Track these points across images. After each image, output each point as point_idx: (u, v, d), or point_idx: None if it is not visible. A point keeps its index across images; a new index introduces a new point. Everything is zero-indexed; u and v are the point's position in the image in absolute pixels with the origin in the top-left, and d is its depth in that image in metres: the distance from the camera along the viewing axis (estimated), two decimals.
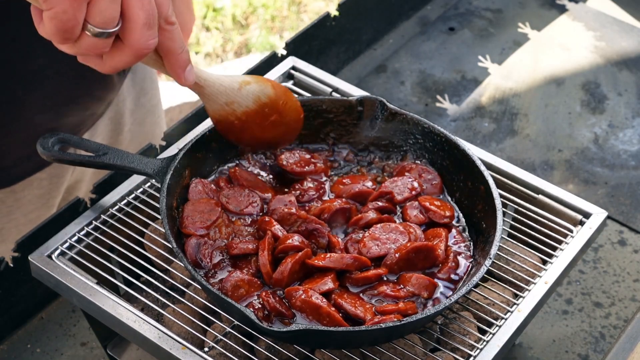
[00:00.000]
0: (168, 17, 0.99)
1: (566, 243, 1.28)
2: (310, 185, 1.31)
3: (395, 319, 1.10)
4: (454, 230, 1.26)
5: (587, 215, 1.32)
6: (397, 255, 1.18)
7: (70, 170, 1.53)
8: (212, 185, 1.29)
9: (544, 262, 1.27)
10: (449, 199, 1.31)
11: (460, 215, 1.29)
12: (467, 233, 1.26)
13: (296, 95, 1.48)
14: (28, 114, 1.38)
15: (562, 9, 2.16)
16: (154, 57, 1.04)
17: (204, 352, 1.14)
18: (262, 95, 1.21)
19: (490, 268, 1.23)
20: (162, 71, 1.07)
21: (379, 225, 1.23)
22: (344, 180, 1.32)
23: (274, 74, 1.52)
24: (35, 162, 1.44)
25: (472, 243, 1.25)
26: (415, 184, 1.30)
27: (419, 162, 1.35)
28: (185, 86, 1.09)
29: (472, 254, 1.23)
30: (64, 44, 0.94)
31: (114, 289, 1.24)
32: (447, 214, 1.26)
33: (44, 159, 1.20)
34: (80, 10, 0.90)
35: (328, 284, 1.15)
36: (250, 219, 1.25)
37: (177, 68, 1.04)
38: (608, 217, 1.35)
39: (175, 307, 1.21)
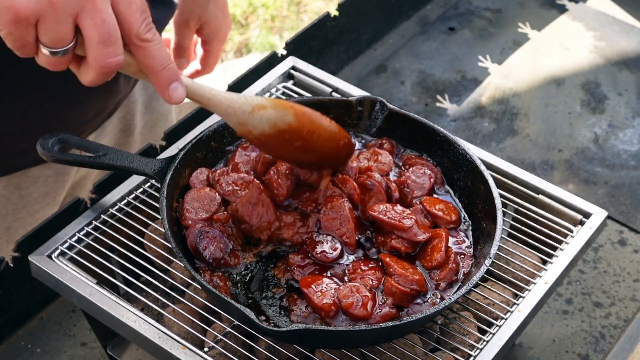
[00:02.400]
0: (140, 34, 0.98)
1: (566, 243, 1.28)
2: None
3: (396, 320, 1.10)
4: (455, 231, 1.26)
5: (587, 215, 1.32)
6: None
7: (75, 168, 1.53)
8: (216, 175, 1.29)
9: (544, 262, 1.27)
10: (451, 191, 1.31)
11: (464, 215, 1.29)
12: (468, 233, 1.26)
13: (296, 96, 1.48)
14: (25, 108, 1.38)
15: (562, 9, 2.16)
16: (142, 74, 1.03)
17: (204, 352, 1.14)
18: (280, 122, 1.14)
19: (490, 268, 1.23)
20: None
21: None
22: None
23: (274, 74, 1.52)
24: (34, 156, 1.44)
25: (472, 243, 1.25)
26: (429, 180, 1.31)
27: (417, 153, 1.35)
28: (174, 104, 1.06)
29: (472, 254, 1.23)
30: (26, 56, 0.97)
31: (114, 289, 1.24)
32: (453, 218, 1.26)
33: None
34: (27, 32, 0.93)
35: None
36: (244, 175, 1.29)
37: (159, 86, 1.02)
38: (608, 217, 1.35)
39: (175, 307, 1.21)
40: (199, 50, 1.72)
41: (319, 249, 1.20)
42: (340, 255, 1.20)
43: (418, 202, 1.28)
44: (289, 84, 1.53)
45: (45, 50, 0.95)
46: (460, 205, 1.30)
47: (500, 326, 1.17)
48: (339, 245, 1.20)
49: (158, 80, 1.01)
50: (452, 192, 1.31)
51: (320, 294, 1.13)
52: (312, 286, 1.14)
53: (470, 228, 1.27)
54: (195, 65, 1.71)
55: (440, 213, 1.25)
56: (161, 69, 1.00)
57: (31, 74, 1.32)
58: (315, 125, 1.18)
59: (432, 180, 1.30)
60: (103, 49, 0.95)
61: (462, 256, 1.22)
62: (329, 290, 1.14)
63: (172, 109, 1.75)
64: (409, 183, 1.28)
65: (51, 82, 1.35)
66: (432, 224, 1.26)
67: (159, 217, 1.29)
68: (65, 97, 1.40)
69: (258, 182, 1.25)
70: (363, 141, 1.37)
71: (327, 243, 1.21)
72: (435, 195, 1.31)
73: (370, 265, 1.18)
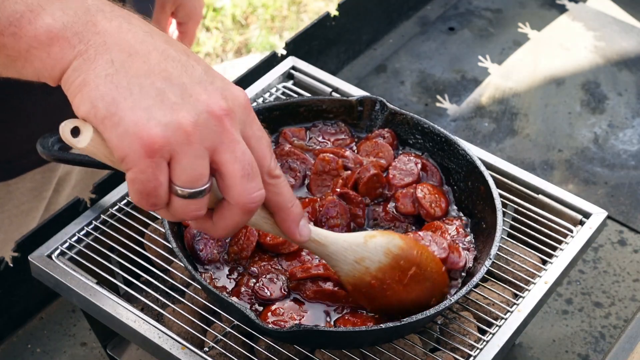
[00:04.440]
0: (271, 170, 0.90)
1: (566, 243, 1.28)
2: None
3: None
4: (457, 223, 1.26)
5: (587, 215, 1.32)
6: None
7: (62, 164, 1.53)
8: None
9: (544, 262, 1.27)
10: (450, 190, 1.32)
11: (457, 209, 1.29)
12: (469, 229, 1.26)
13: (296, 96, 1.49)
14: (29, 110, 1.38)
15: (562, 9, 2.16)
16: (262, 214, 0.95)
17: (204, 352, 1.14)
18: (392, 246, 1.09)
19: (490, 268, 1.23)
20: (274, 232, 0.97)
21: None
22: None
23: (274, 74, 1.52)
24: (36, 158, 1.44)
25: (473, 240, 1.25)
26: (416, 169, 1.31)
27: (418, 152, 1.35)
28: (302, 244, 1.00)
29: (475, 247, 1.23)
30: (154, 210, 0.86)
31: (114, 289, 1.24)
32: (438, 213, 1.26)
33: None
34: (160, 169, 0.82)
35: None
36: None
37: (290, 223, 0.95)
38: (608, 217, 1.35)
39: (175, 307, 1.21)
40: (174, 32, 1.72)
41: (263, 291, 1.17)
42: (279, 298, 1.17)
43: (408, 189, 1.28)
44: (289, 83, 1.53)
45: (179, 194, 0.83)
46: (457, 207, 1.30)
47: (500, 326, 1.17)
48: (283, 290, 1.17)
49: (288, 217, 0.94)
50: (452, 193, 1.32)
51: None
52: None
53: (470, 224, 1.27)
54: None
55: (427, 205, 1.26)
56: (290, 205, 0.94)
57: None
58: (421, 246, 1.13)
59: (418, 165, 1.30)
60: (247, 184, 0.86)
61: (467, 251, 1.22)
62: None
63: None
64: (395, 174, 1.29)
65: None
66: (416, 212, 1.26)
67: (159, 217, 1.29)
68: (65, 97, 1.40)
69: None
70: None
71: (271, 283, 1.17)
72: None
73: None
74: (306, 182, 1.30)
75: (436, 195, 1.28)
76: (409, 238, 1.13)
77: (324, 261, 1.16)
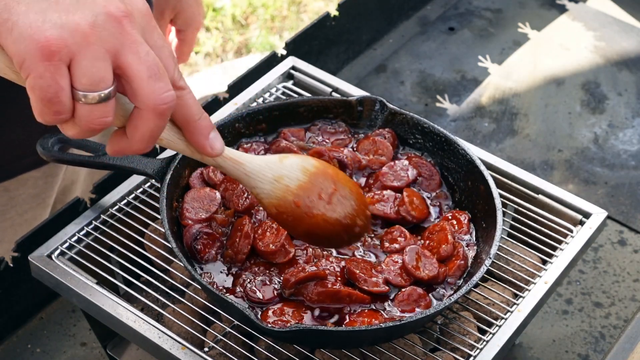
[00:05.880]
0: (175, 80, 0.87)
1: (566, 243, 1.28)
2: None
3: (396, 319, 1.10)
4: (462, 217, 1.26)
5: (587, 215, 1.32)
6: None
7: (63, 170, 1.53)
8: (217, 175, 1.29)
9: (544, 262, 1.27)
10: (447, 193, 1.32)
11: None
12: (472, 226, 1.27)
13: (296, 96, 1.49)
14: (24, 112, 1.38)
15: (562, 9, 2.16)
16: (174, 129, 0.92)
17: (204, 352, 1.14)
18: (308, 164, 1.06)
19: (490, 268, 1.23)
20: (189, 152, 0.94)
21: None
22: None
23: (274, 74, 1.52)
24: (32, 160, 1.44)
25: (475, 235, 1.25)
26: (411, 174, 1.30)
27: (417, 153, 1.35)
28: (214, 157, 0.96)
29: (475, 245, 1.23)
30: (57, 120, 0.82)
31: (114, 289, 1.24)
32: (414, 214, 1.25)
33: (40, 157, 1.19)
34: (60, 72, 0.79)
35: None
36: None
37: (199, 136, 0.92)
38: (608, 217, 1.35)
39: (175, 307, 1.21)
40: (173, 40, 1.71)
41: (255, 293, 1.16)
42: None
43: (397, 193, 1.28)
44: (289, 84, 1.53)
45: (83, 100, 0.81)
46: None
47: (500, 326, 1.17)
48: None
49: (196, 130, 0.91)
50: (452, 193, 1.32)
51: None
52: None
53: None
54: None
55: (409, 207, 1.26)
56: (198, 118, 0.91)
57: None
58: (332, 165, 1.10)
59: (409, 174, 1.30)
60: (155, 84, 0.83)
61: (468, 246, 1.22)
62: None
63: None
64: (386, 172, 1.29)
65: None
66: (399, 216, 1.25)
67: (159, 217, 1.29)
68: None
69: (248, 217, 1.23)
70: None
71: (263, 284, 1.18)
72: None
73: None
74: None
75: (417, 201, 1.27)
76: (320, 160, 1.10)
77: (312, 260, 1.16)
